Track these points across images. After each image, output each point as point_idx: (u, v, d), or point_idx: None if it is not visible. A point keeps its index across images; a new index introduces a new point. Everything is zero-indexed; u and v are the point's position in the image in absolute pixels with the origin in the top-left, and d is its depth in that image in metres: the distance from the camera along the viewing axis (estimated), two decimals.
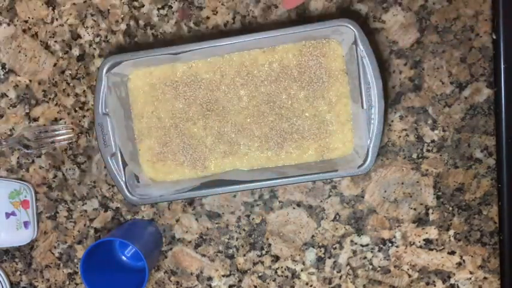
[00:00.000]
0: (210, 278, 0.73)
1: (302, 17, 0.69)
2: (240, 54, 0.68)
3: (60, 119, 0.73)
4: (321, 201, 0.71)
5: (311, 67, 0.68)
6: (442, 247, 0.58)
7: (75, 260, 0.76)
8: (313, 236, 0.70)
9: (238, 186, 0.67)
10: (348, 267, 0.66)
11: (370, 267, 0.66)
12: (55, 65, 0.73)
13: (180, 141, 0.70)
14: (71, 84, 0.73)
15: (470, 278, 0.57)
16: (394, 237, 0.66)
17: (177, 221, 0.74)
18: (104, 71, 0.66)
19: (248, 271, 0.72)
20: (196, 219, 0.72)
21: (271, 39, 0.65)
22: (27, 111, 0.74)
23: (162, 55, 0.65)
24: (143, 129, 0.70)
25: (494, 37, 0.58)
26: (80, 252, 0.76)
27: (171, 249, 0.74)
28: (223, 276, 0.72)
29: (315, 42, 0.67)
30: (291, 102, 0.69)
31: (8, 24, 0.72)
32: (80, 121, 0.73)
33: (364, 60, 0.63)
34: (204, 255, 0.73)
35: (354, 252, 0.68)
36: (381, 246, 0.67)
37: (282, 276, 0.69)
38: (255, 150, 0.70)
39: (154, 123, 0.70)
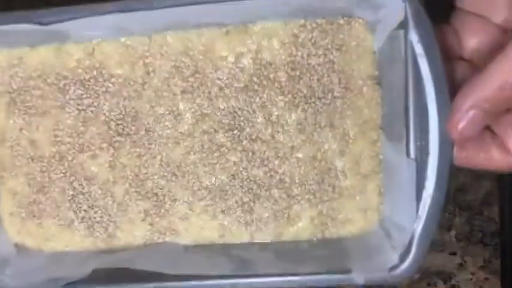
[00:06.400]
0: None
1: None
2: (181, 34, 0.37)
3: None
4: None
5: (314, 68, 0.36)
6: (443, 248, 0.56)
7: None
8: None
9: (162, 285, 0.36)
10: None
11: None
12: None
13: (68, 185, 0.39)
14: None
15: (471, 279, 0.56)
16: None
17: None
18: None
19: None
20: None
21: (243, 7, 0.34)
22: None
23: (27, 26, 0.34)
24: (4, 159, 0.39)
25: None
26: None
27: None
28: None
29: (323, 22, 0.36)
30: (271, 130, 0.37)
31: None
32: None
33: (421, 62, 0.32)
34: None
35: None
36: None
37: None
38: (201, 213, 0.38)
39: (24, 151, 0.39)
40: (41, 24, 0.34)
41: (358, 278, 0.35)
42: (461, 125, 0.31)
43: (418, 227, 0.34)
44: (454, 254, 0.57)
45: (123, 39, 0.37)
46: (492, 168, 0.33)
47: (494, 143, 0.32)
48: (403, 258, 0.34)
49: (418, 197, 0.34)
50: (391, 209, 0.37)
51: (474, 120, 0.30)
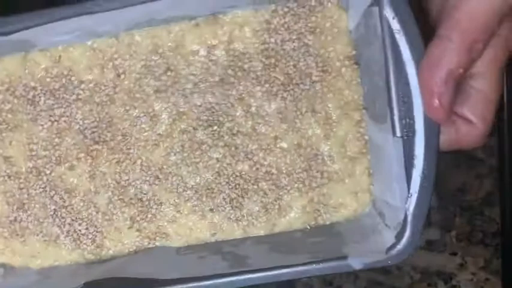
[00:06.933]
0: None
1: None
2: (149, 32, 0.36)
3: None
4: None
5: (289, 54, 0.35)
6: (444, 248, 0.57)
7: None
8: None
9: None
10: None
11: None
12: None
13: (49, 199, 0.37)
14: None
15: (472, 279, 0.56)
16: None
17: None
18: None
19: None
20: None
21: None
22: None
23: None
24: None
25: None
26: None
27: None
28: None
29: (295, 6, 0.35)
30: (252, 122, 0.36)
31: None
32: None
33: (398, 38, 0.31)
34: None
35: None
36: None
37: None
38: (189, 214, 0.37)
39: (0, 168, 0.37)
40: (1, 34, 0.32)
41: (355, 263, 0.34)
42: (443, 101, 0.30)
43: (411, 206, 0.33)
44: (454, 254, 0.58)
45: (89, 43, 0.36)
46: (464, 143, 0.33)
47: (460, 118, 0.32)
48: (399, 237, 0.33)
49: (408, 176, 0.33)
50: (381, 189, 0.36)
51: (452, 92, 0.29)
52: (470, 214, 0.57)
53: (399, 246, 0.33)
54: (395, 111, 0.32)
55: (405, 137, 0.32)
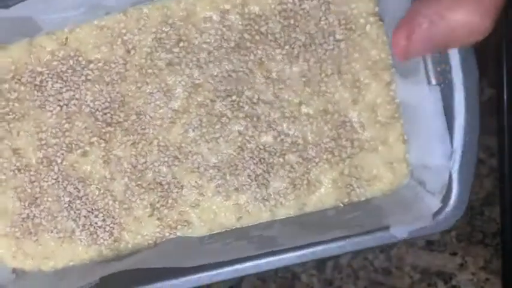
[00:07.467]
0: None
1: None
2: (157, 3, 0.34)
3: None
4: None
5: (308, 13, 0.33)
6: (444, 248, 0.56)
7: None
8: None
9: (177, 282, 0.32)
10: (349, 268, 0.58)
11: (372, 268, 0.59)
12: None
13: (62, 191, 0.35)
14: None
15: (472, 279, 0.56)
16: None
17: None
18: None
19: None
20: None
21: None
22: None
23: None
24: None
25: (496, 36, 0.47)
26: None
27: None
28: None
29: None
30: (273, 89, 0.33)
31: None
32: None
33: None
34: None
35: (355, 253, 0.56)
36: (383, 247, 0.56)
37: (282, 277, 0.57)
38: (213, 196, 0.34)
39: (8, 162, 0.35)
40: (4, 7, 0.30)
41: (399, 232, 0.31)
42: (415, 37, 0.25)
43: (456, 163, 0.30)
44: (454, 254, 0.57)
45: (96, 22, 0.34)
46: (457, 32, 0.26)
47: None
48: (445, 200, 0.30)
49: (450, 129, 0.30)
50: (419, 154, 0.33)
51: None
52: (470, 214, 0.56)
53: (447, 209, 0.30)
54: (429, 58, 0.29)
55: (442, 85, 0.29)
